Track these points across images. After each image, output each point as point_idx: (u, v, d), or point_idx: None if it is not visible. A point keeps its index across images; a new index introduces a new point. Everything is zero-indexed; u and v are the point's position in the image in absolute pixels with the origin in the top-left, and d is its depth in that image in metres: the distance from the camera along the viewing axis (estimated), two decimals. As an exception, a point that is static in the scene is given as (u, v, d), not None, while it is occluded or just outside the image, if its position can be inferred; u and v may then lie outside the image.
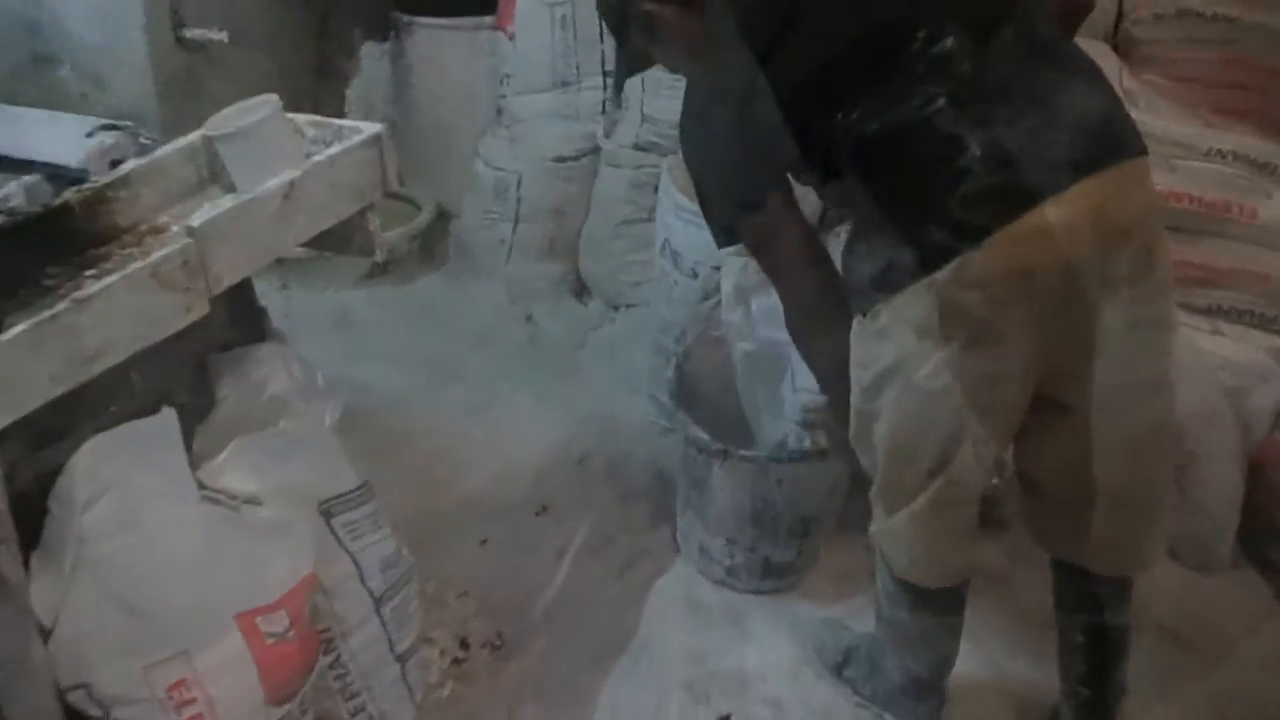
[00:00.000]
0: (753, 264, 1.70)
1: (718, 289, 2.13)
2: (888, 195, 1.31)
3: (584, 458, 2.36)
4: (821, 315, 1.46)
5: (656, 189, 2.47)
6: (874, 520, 1.51)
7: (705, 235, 2.10)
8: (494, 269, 2.88)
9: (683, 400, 1.98)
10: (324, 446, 1.49)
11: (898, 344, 1.33)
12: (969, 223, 1.23)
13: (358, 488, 1.52)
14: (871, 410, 1.40)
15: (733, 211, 1.50)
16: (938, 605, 1.53)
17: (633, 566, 2.09)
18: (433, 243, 3.03)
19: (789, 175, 1.47)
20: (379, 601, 1.54)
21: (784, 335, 1.61)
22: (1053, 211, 1.22)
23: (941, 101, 1.25)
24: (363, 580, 1.52)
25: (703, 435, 1.89)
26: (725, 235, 1.57)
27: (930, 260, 1.27)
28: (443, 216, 3.04)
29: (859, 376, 1.41)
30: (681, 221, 2.25)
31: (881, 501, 1.48)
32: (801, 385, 1.89)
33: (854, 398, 1.43)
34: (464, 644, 1.87)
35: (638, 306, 2.72)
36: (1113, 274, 1.28)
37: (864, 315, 1.37)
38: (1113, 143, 1.27)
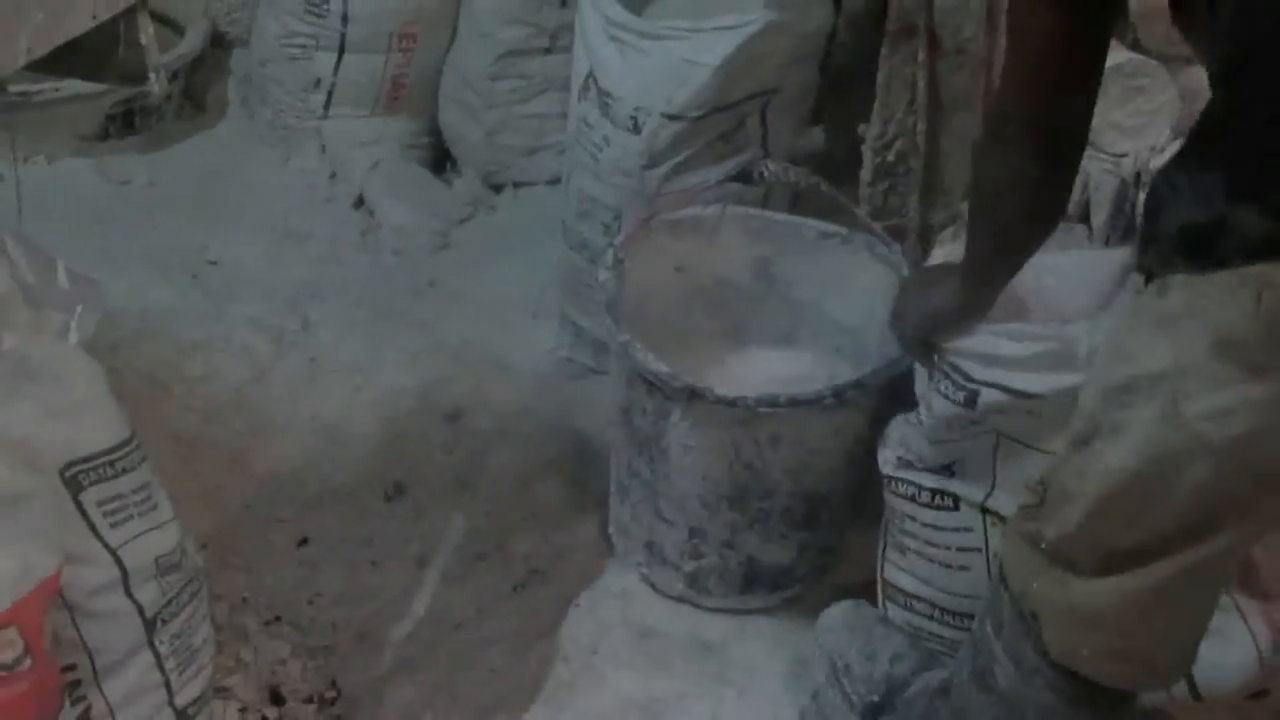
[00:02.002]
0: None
1: (670, 148, 2.18)
2: (1256, 115, 1.29)
3: (457, 413, 2.37)
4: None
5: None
6: (1032, 570, 1.51)
7: (652, 65, 2.14)
8: (302, 128, 2.88)
9: (623, 314, 1.97)
10: (70, 377, 1.46)
11: (1180, 349, 1.33)
12: None
13: (122, 444, 1.49)
14: (1104, 421, 1.42)
15: None
16: (1104, 708, 1.54)
17: (539, 578, 2.09)
18: (203, 86, 3.03)
19: None
20: (152, 625, 1.52)
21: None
22: None
23: None
24: (128, 590, 1.49)
25: (659, 365, 1.88)
26: None
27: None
28: (218, 45, 3.05)
29: (1108, 367, 1.43)
30: (616, 46, 2.23)
31: (1074, 550, 1.48)
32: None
33: (1088, 388, 1.46)
34: (276, 697, 1.87)
35: (533, 186, 2.75)
36: None
37: (1149, 282, 1.38)
38: None
